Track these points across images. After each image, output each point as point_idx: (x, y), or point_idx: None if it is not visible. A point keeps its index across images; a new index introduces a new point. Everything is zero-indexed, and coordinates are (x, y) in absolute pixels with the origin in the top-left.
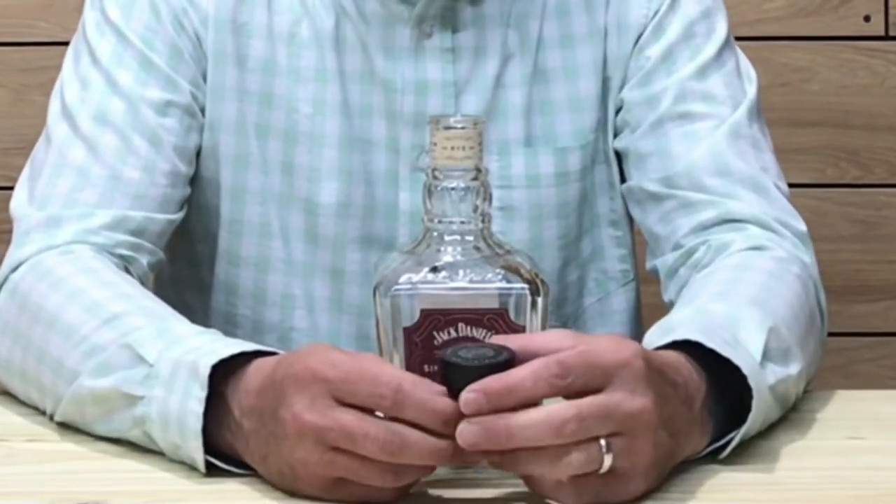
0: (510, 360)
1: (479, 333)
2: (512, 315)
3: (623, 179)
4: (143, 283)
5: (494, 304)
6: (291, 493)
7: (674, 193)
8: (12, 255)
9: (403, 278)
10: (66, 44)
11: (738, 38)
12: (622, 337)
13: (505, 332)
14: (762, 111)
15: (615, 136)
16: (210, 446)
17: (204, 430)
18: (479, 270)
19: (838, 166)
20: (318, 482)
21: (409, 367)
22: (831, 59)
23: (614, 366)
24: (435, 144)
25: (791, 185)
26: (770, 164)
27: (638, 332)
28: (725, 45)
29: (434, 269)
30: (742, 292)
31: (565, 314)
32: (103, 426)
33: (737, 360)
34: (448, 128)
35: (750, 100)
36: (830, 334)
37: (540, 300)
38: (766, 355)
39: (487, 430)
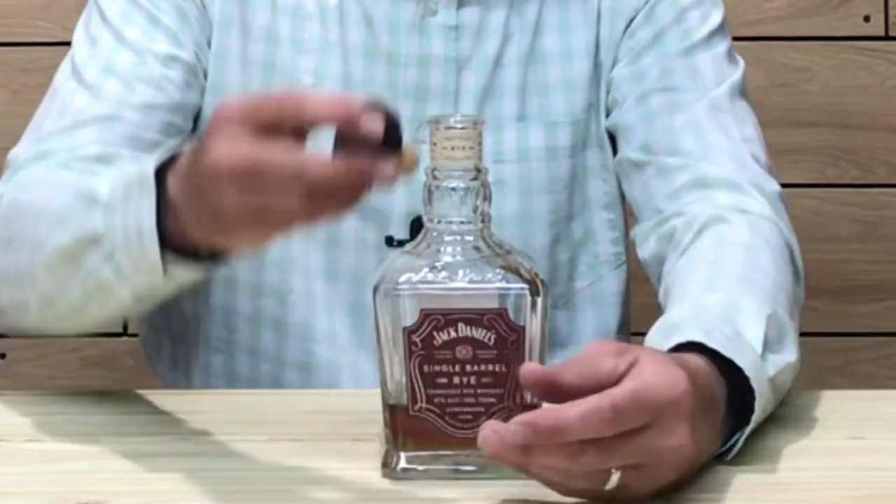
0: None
1: (479, 333)
2: (512, 315)
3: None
4: None
5: (494, 304)
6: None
7: (651, 160)
8: None
9: (403, 278)
10: (66, 44)
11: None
12: (670, 360)
13: (505, 332)
14: (747, 94)
15: (606, 116)
16: (171, 247)
17: (164, 238)
18: (479, 270)
19: (838, 166)
20: (243, 219)
21: (409, 367)
22: (831, 59)
23: (664, 405)
24: (435, 144)
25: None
26: (751, 135)
27: (625, 314)
28: (718, 31)
29: (434, 269)
30: (728, 272)
31: (555, 294)
32: (78, 282)
33: (740, 361)
34: (448, 128)
35: (735, 79)
36: (830, 334)
37: (539, 300)
38: (766, 345)
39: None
